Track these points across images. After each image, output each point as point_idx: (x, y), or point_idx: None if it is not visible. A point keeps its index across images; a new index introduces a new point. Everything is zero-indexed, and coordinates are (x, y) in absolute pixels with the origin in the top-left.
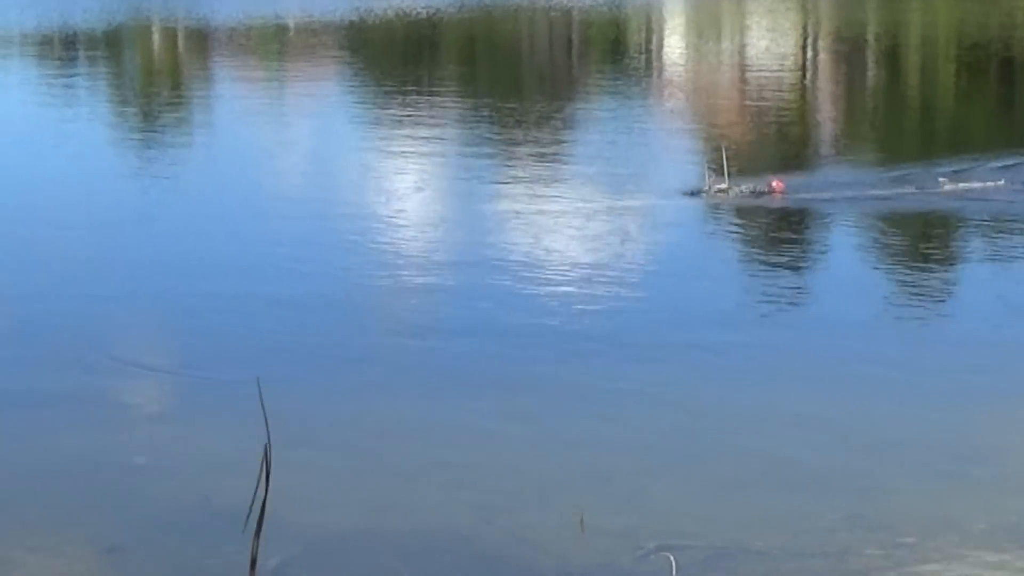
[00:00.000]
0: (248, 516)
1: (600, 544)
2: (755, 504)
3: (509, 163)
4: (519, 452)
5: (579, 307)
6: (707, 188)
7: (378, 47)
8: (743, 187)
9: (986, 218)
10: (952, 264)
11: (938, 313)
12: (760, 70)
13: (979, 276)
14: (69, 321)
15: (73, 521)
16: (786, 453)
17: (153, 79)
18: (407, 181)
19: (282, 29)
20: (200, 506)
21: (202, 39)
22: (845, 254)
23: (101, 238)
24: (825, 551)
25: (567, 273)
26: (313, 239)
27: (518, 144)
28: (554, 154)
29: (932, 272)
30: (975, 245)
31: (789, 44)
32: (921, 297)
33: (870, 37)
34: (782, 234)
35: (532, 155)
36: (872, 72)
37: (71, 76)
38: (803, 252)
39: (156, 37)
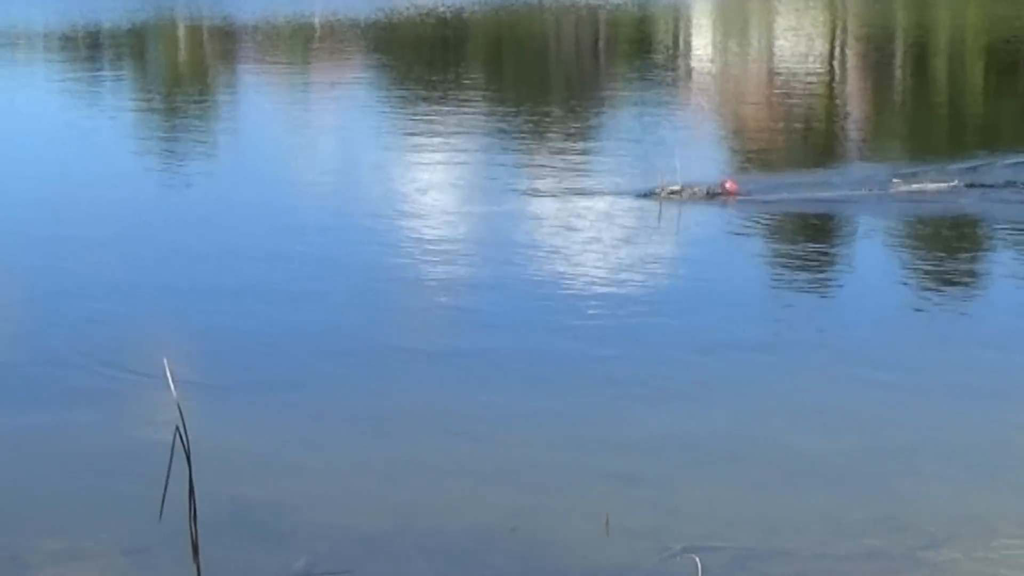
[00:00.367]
0: (161, 508)
1: (626, 545)
2: (782, 505)
3: (526, 162)
4: (544, 453)
5: (599, 308)
6: (660, 189)
7: (404, 45)
8: (696, 188)
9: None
10: (974, 263)
11: (964, 311)
12: (787, 70)
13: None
14: (92, 320)
15: (93, 522)
16: (813, 453)
17: (178, 77)
18: (430, 180)
19: (307, 27)
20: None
21: (227, 37)
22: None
23: (127, 236)
24: (853, 552)
25: (585, 275)
26: (337, 235)
27: (537, 143)
28: (559, 153)
29: (952, 272)
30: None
31: (816, 44)
32: (948, 292)
33: (898, 36)
34: (788, 236)
35: (538, 153)
36: (898, 71)
37: (95, 75)
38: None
39: (181, 35)
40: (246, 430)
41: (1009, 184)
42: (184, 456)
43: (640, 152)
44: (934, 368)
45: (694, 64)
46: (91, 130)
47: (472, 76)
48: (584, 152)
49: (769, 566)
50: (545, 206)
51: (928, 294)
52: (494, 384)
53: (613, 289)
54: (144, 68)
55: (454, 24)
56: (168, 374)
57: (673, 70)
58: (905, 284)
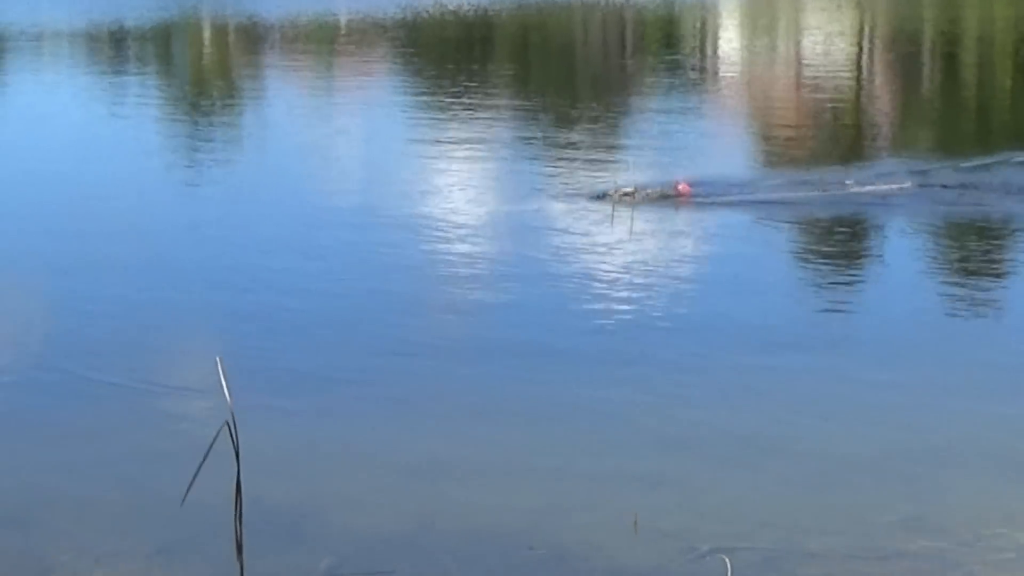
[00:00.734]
0: (184, 496)
1: (654, 546)
2: (811, 506)
3: (541, 163)
4: (572, 452)
5: (625, 308)
6: (613, 191)
7: (430, 44)
8: (650, 190)
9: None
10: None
11: (992, 311)
12: (815, 69)
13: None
14: (121, 320)
15: (120, 523)
16: (842, 454)
17: (203, 76)
18: (455, 180)
19: (333, 26)
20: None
21: (252, 36)
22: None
23: (153, 235)
24: (882, 553)
25: (613, 275)
26: (356, 239)
27: (553, 143)
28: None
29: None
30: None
31: (844, 42)
32: (975, 298)
33: (924, 35)
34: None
35: (550, 153)
36: (927, 70)
37: (121, 73)
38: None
39: (206, 34)
40: (285, 428)
41: (963, 186)
42: (233, 454)
43: (656, 151)
44: (963, 367)
45: (720, 64)
46: (116, 129)
47: (497, 76)
48: (596, 152)
49: (798, 567)
50: (511, 208)
51: (953, 289)
52: (522, 384)
53: (622, 291)
54: (169, 67)
55: (479, 23)
56: (221, 372)
57: (699, 71)
58: (915, 282)
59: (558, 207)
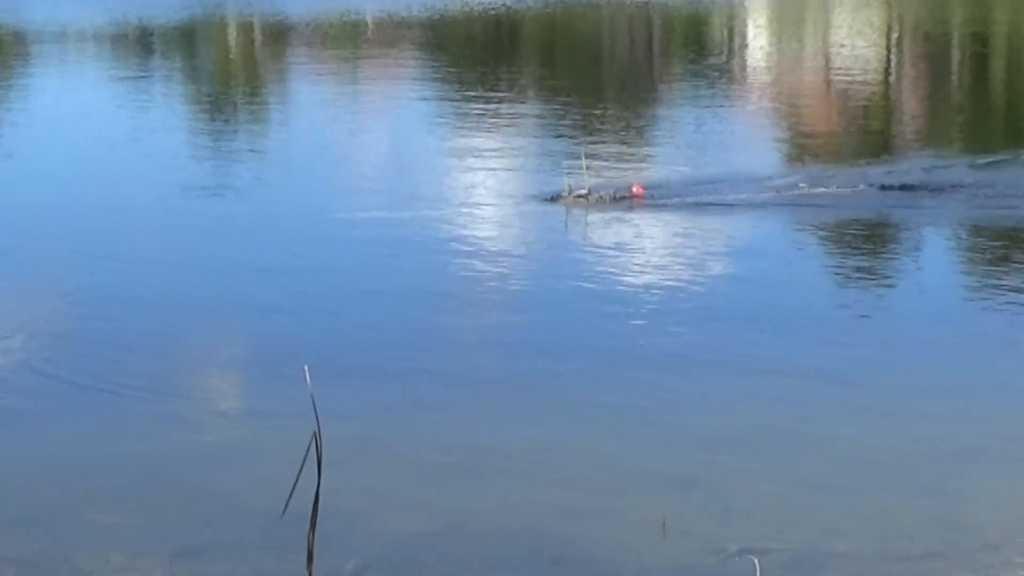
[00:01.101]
0: (284, 510)
1: (683, 546)
2: (839, 506)
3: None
4: (601, 453)
5: (655, 308)
6: (566, 193)
7: (456, 43)
8: (603, 192)
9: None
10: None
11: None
12: (845, 70)
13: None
14: (144, 318)
15: (142, 522)
16: (870, 454)
17: (230, 75)
18: (482, 179)
19: (359, 24)
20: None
21: (279, 34)
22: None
23: (180, 234)
24: (911, 554)
25: (640, 274)
26: (384, 238)
27: (573, 142)
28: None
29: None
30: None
31: (873, 41)
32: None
33: (954, 33)
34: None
35: (567, 153)
36: (956, 69)
37: (146, 72)
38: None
39: (232, 32)
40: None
41: (927, 188)
42: (316, 464)
43: (678, 149)
44: (989, 369)
45: (749, 63)
46: (142, 129)
47: (522, 77)
48: (610, 151)
49: (826, 568)
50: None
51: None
52: (549, 384)
53: (640, 290)
54: (195, 66)
55: (505, 24)
56: (308, 380)
57: (727, 70)
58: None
59: (510, 210)
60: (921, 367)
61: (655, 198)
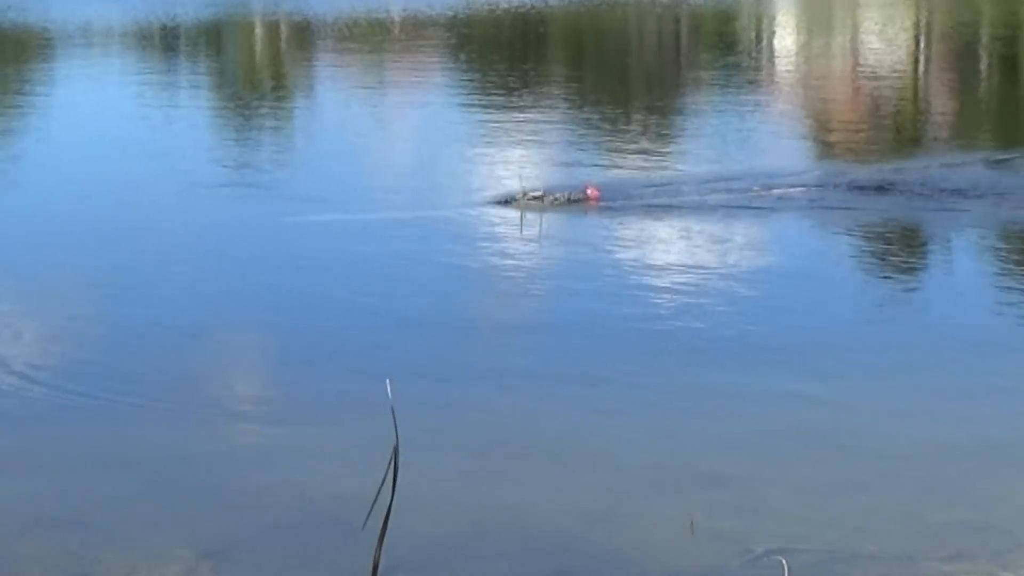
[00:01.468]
0: (365, 521)
1: (711, 547)
2: (868, 507)
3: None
4: (629, 453)
5: (687, 306)
6: (520, 195)
7: (483, 42)
8: (558, 194)
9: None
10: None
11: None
12: (872, 70)
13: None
14: (173, 319)
15: (171, 524)
16: (899, 455)
17: (256, 74)
18: (509, 176)
19: (385, 23)
20: (309, 508)
21: (304, 33)
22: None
23: (208, 235)
24: (939, 555)
25: (676, 274)
26: (408, 235)
27: (594, 143)
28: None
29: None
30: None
31: (900, 41)
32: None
33: (982, 32)
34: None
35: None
36: (984, 68)
37: (172, 71)
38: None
39: (258, 31)
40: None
41: (882, 188)
42: (392, 477)
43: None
44: (1019, 370)
45: (777, 63)
46: (168, 129)
47: (547, 74)
48: (624, 152)
49: (855, 568)
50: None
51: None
52: (578, 384)
53: (667, 285)
54: (221, 65)
55: (532, 22)
56: (389, 392)
57: (754, 70)
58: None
59: (464, 213)
60: (949, 368)
61: (610, 200)
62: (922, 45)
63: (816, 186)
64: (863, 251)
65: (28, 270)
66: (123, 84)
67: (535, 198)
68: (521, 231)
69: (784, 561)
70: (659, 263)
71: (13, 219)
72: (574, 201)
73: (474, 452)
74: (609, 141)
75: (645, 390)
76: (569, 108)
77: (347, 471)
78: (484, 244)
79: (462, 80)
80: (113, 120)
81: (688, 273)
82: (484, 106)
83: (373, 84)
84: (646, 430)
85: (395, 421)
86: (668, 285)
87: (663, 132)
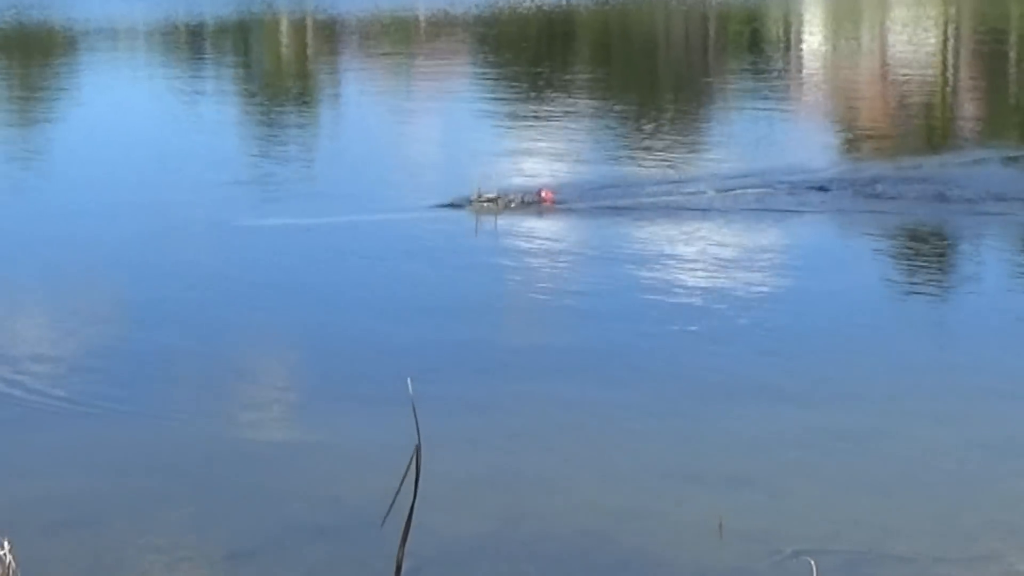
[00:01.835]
0: (384, 519)
1: (739, 548)
2: (897, 507)
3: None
4: (657, 454)
5: (712, 303)
6: (475, 197)
7: (510, 41)
8: (512, 196)
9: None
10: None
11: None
12: (902, 68)
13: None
14: (195, 320)
15: (194, 524)
16: (927, 455)
17: (282, 72)
18: (536, 174)
19: (412, 22)
20: (331, 508)
21: (331, 32)
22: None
23: (236, 235)
24: (968, 556)
25: (700, 269)
26: (432, 232)
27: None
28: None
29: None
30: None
31: (928, 40)
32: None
33: (1012, 33)
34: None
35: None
36: (1013, 68)
37: (197, 70)
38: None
39: (284, 29)
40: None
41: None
42: (414, 477)
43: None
44: None
45: (804, 62)
46: (193, 129)
47: (574, 74)
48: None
49: (885, 569)
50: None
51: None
52: (604, 385)
53: (682, 295)
54: (247, 64)
55: (559, 21)
56: (410, 392)
57: (783, 69)
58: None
59: (415, 216)
60: (978, 368)
61: (565, 202)
62: (950, 44)
63: (837, 188)
64: (891, 252)
65: (59, 273)
66: (147, 83)
67: (489, 200)
68: (476, 234)
69: (812, 562)
70: (678, 259)
71: (40, 219)
72: (528, 203)
73: (500, 453)
74: (614, 141)
75: (672, 391)
76: (588, 109)
77: (371, 470)
78: (434, 247)
79: (485, 80)
80: (136, 121)
81: (709, 272)
82: (506, 107)
83: (397, 85)
84: (672, 431)
85: (416, 419)
86: (695, 284)
87: (679, 135)
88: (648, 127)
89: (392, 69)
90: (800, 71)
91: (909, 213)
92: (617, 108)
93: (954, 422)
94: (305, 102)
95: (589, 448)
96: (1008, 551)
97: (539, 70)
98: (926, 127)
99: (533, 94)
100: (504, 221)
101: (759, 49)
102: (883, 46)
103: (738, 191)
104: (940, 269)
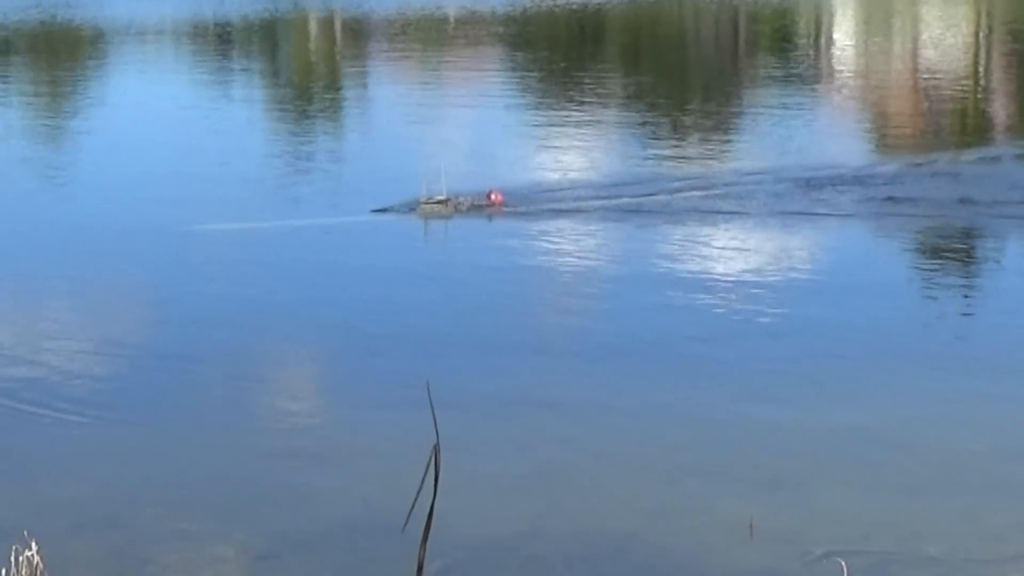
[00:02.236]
0: (407, 520)
1: (769, 549)
2: (926, 509)
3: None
4: (688, 456)
5: (739, 307)
6: (424, 200)
7: (539, 39)
8: (462, 199)
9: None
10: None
11: None
12: (933, 69)
13: None
14: (225, 322)
15: (218, 526)
16: (958, 457)
17: (310, 71)
18: (562, 172)
19: (441, 20)
20: (357, 510)
21: (360, 30)
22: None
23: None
24: (997, 557)
25: (720, 279)
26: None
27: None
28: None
29: None
30: None
31: (961, 38)
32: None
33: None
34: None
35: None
36: None
37: (225, 69)
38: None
39: (313, 28)
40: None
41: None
42: (433, 477)
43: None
44: None
45: (835, 61)
46: (220, 127)
47: (608, 72)
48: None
49: (914, 570)
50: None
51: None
52: (635, 387)
53: (699, 293)
54: (275, 62)
55: (588, 19)
56: (429, 394)
57: (814, 68)
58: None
59: (363, 220)
60: (1008, 371)
61: (514, 205)
62: (982, 43)
63: (853, 187)
64: (926, 252)
65: (89, 276)
66: (176, 82)
67: (439, 202)
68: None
69: (843, 563)
70: (719, 268)
71: (70, 216)
72: (478, 206)
73: (527, 453)
74: (618, 142)
75: (703, 393)
76: (615, 108)
77: (393, 472)
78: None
79: (513, 79)
80: (166, 118)
81: (745, 270)
82: (533, 105)
83: (425, 81)
84: (703, 433)
85: (435, 421)
86: (718, 290)
87: (706, 132)
88: (679, 125)
89: (419, 67)
90: (831, 72)
91: (944, 215)
92: (645, 108)
93: (984, 424)
94: (327, 101)
95: (619, 447)
96: None
97: (571, 71)
98: (959, 126)
99: (562, 94)
100: (456, 224)
101: (790, 48)
102: (915, 46)
103: (766, 190)
104: (977, 273)
